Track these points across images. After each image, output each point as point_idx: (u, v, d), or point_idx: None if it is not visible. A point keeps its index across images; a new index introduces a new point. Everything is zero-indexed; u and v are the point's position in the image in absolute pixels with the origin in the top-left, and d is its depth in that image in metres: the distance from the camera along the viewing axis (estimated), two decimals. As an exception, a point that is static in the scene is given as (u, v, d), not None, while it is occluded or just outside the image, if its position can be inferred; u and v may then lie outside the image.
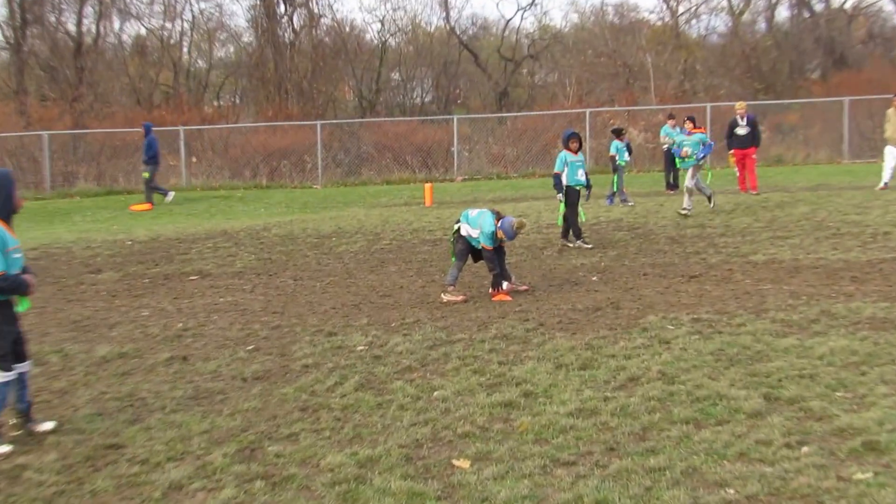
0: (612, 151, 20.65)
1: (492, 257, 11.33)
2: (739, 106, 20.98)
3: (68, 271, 15.12)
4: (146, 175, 25.84)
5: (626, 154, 20.82)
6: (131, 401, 7.69)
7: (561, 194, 14.98)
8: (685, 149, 17.76)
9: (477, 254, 11.61)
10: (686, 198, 17.73)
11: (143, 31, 56.26)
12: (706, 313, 9.66)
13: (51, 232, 20.65)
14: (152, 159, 25.70)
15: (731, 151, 20.96)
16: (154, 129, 26.79)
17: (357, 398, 7.41)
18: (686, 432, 6.18)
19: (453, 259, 11.83)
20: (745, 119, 20.58)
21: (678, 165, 18.76)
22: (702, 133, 18.33)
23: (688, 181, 17.75)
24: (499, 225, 11.14)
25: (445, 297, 11.39)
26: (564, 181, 14.90)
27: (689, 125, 23.27)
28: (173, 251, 16.64)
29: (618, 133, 21.15)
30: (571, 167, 14.89)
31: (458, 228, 11.63)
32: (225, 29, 60.95)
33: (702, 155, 17.61)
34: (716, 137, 30.54)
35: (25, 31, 45.28)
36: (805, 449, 5.80)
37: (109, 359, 9.16)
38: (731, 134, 20.76)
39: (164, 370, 8.64)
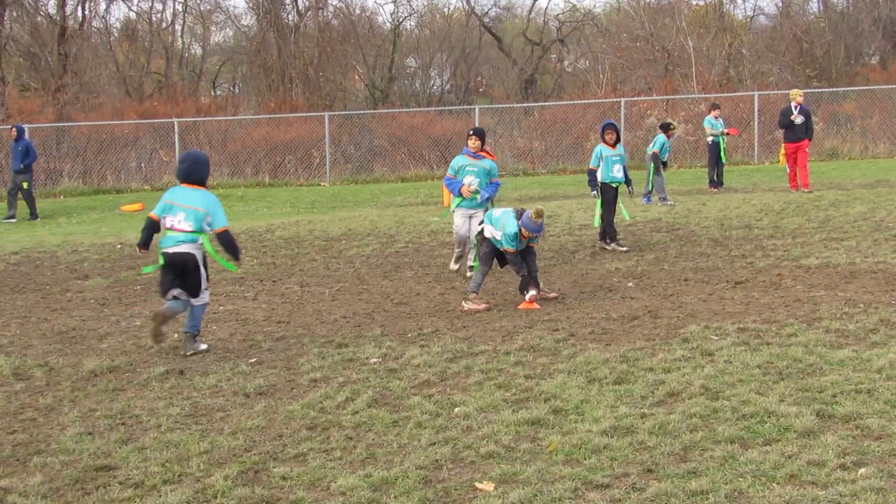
0: (655, 148, 20.67)
1: (516, 260, 11.37)
2: (795, 94, 20.90)
3: (53, 278, 15.24)
4: (26, 185, 24.36)
5: (666, 154, 20.86)
6: (123, 418, 7.76)
7: (595, 191, 15.03)
8: (468, 178, 13.13)
9: (503, 258, 11.66)
10: (455, 258, 13.83)
11: (131, 15, 56.69)
12: (753, 323, 9.67)
13: (33, 235, 20.80)
14: (29, 167, 24.54)
15: (783, 144, 20.98)
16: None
17: (370, 415, 7.46)
18: (731, 452, 6.21)
19: (476, 264, 11.88)
20: (798, 109, 20.53)
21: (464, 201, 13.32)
22: (492, 160, 13.39)
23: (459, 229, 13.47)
24: (520, 223, 11.19)
25: (467, 306, 11.44)
26: (599, 178, 14.97)
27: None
28: (167, 255, 16.72)
29: (665, 128, 21.19)
30: (607, 162, 14.95)
31: (482, 230, 11.68)
32: (222, 10, 61.31)
33: (486, 196, 13.28)
34: (765, 128, 30.61)
35: (3, 14, 45.59)
36: (862, 471, 5.81)
37: (99, 373, 9.23)
38: (788, 123, 20.62)
39: (159, 385, 8.72)
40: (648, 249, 14.88)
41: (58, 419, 7.82)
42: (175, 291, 9.67)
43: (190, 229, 9.55)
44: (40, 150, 32.83)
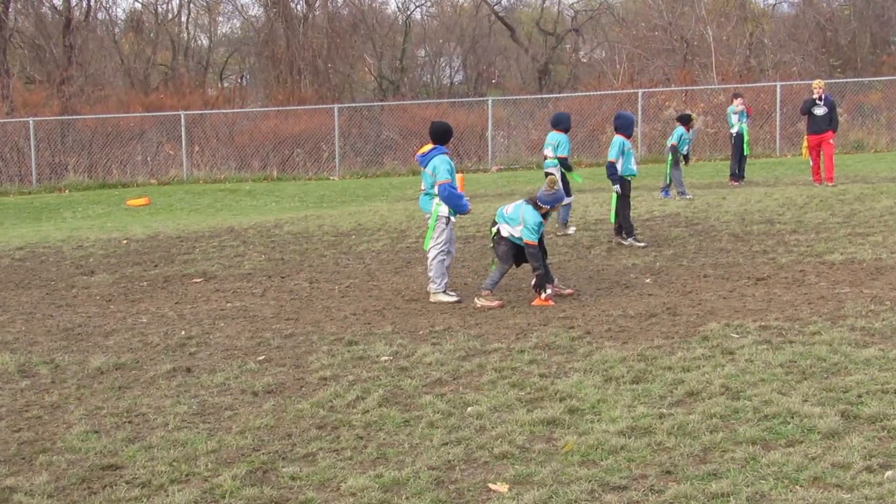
0: (674, 140, 20.62)
1: (536, 254, 11.36)
2: (817, 84, 20.87)
3: (58, 273, 15.29)
4: None
5: (685, 147, 20.80)
6: (130, 417, 7.79)
7: (618, 185, 14.96)
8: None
9: (520, 257, 11.64)
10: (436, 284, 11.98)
11: (137, 6, 56.80)
12: (775, 320, 9.64)
13: (38, 230, 20.88)
14: None
15: (806, 136, 20.94)
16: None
17: (381, 414, 7.47)
18: (753, 454, 6.19)
19: (493, 264, 11.88)
20: (822, 100, 20.49)
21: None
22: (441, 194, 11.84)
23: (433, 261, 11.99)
24: (539, 202, 11.32)
25: (480, 302, 11.43)
26: (619, 171, 14.94)
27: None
28: (174, 251, 16.79)
29: (684, 120, 21.12)
30: (628, 155, 14.94)
31: (498, 230, 11.66)
32: (229, 1, 61.32)
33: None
34: (787, 120, 30.52)
35: (8, 5, 45.75)
36: (889, 473, 5.79)
37: (105, 370, 9.26)
38: (809, 113, 20.61)
39: (166, 383, 8.74)
40: (667, 245, 14.85)
41: (63, 417, 7.85)
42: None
43: (552, 156, 16.39)
44: (44, 145, 32.99)
